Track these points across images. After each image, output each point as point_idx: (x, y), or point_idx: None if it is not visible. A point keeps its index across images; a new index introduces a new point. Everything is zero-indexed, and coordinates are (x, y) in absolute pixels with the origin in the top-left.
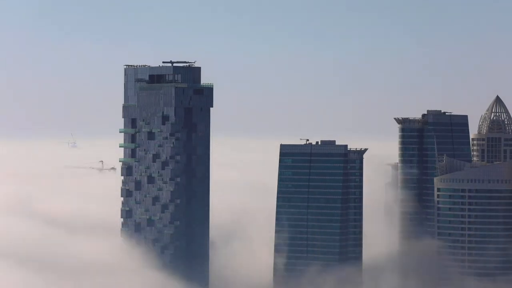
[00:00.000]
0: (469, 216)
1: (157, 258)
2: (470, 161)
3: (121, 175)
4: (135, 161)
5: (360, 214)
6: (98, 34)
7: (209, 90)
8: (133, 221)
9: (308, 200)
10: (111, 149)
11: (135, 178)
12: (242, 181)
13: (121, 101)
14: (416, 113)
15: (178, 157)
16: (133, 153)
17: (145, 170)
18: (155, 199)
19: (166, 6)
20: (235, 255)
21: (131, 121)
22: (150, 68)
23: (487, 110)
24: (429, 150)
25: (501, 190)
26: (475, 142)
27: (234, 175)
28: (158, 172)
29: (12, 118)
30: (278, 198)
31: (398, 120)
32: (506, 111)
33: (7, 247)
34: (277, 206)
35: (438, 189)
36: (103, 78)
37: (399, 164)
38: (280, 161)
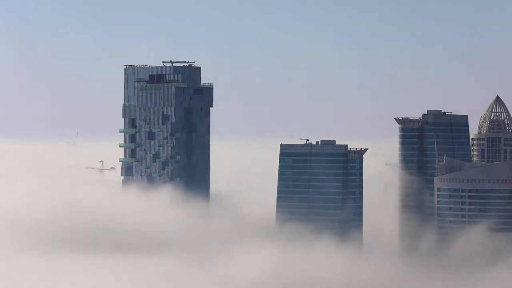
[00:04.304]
0: (469, 216)
1: None
2: (470, 161)
3: (121, 175)
4: (135, 161)
5: (360, 214)
6: (98, 34)
7: (209, 90)
8: None
9: (308, 200)
10: (111, 149)
11: (135, 178)
12: (242, 181)
13: (121, 101)
14: (416, 113)
15: (178, 157)
16: (133, 153)
17: (145, 170)
18: None
19: (166, 6)
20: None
21: (131, 121)
22: (150, 68)
23: (487, 110)
24: (429, 150)
25: (501, 190)
26: (475, 142)
27: (234, 175)
28: (158, 172)
29: (11, 118)
30: (278, 198)
31: (398, 120)
32: (506, 111)
33: None
34: (277, 206)
35: (438, 189)
36: (103, 78)
37: (399, 164)
38: (280, 161)
